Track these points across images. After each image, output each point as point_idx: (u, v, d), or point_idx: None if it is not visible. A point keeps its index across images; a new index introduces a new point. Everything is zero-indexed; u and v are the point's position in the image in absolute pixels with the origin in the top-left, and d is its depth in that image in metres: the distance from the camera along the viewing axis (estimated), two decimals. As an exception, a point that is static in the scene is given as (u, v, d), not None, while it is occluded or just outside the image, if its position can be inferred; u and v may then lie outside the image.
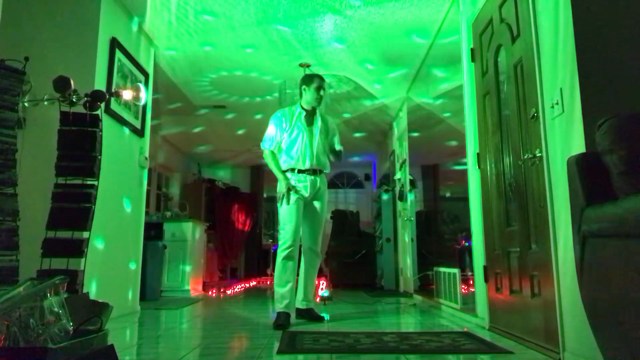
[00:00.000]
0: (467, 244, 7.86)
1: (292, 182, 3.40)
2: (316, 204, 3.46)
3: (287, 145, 3.45)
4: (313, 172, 3.44)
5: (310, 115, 3.51)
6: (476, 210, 3.26)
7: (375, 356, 2.25)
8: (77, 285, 2.42)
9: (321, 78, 3.56)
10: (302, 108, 3.52)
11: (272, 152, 3.49)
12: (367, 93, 5.94)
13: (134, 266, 4.11)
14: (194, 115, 6.81)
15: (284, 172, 3.43)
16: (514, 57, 2.62)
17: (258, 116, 6.70)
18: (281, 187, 3.37)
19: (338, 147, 3.56)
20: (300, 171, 3.42)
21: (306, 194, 3.41)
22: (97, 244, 3.39)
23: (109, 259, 3.60)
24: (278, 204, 3.40)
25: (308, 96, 3.50)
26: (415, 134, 6.52)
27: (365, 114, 6.78)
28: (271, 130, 3.49)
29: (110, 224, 3.62)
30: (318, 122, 3.49)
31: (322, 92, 3.48)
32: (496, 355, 2.25)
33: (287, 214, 3.34)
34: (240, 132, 7.65)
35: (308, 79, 3.55)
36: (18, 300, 1.50)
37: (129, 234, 4.01)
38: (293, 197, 3.35)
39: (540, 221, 2.32)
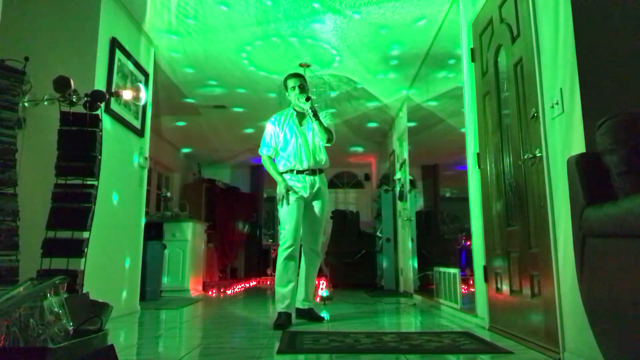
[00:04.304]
0: (466, 243, 7.86)
1: (291, 183, 3.41)
2: (316, 204, 3.47)
3: (282, 147, 3.47)
4: (312, 172, 3.44)
5: (302, 115, 3.53)
6: (476, 210, 3.26)
7: (375, 356, 2.25)
8: (77, 285, 2.42)
9: (296, 75, 3.54)
10: (295, 110, 3.55)
11: (269, 157, 3.53)
12: (367, 93, 5.94)
13: (134, 266, 4.11)
14: (194, 115, 6.81)
15: (282, 173, 3.45)
16: (514, 57, 2.62)
17: (258, 116, 6.70)
18: (280, 189, 3.40)
19: (325, 122, 3.42)
20: (298, 172, 3.43)
21: (305, 194, 3.41)
22: (97, 244, 3.39)
23: (109, 259, 3.60)
24: (278, 205, 3.42)
25: (292, 98, 3.52)
26: (416, 135, 6.52)
27: (365, 114, 6.78)
28: (266, 135, 3.54)
29: (110, 224, 3.62)
30: (309, 120, 3.47)
31: (297, 90, 3.45)
32: (496, 355, 2.25)
33: (287, 214, 3.35)
34: (240, 132, 7.64)
35: (285, 83, 3.59)
36: (18, 300, 1.50)
37: (128, 234, 4.01)
38: (292, 197, 3.36)
39: (540, 221, 2.32)
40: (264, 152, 3.54)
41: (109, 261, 3.60)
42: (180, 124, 7.33)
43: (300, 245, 3.45)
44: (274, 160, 3.55)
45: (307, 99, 3.36)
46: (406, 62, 5.00)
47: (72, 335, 1.62)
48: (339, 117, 6.66)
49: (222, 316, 3.92)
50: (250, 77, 5.41)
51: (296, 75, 3.55)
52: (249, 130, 7.51)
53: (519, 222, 2.60)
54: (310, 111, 3.36)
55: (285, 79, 3.58)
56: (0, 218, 2.20)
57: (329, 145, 3.47)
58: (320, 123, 3.39)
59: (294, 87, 3.47)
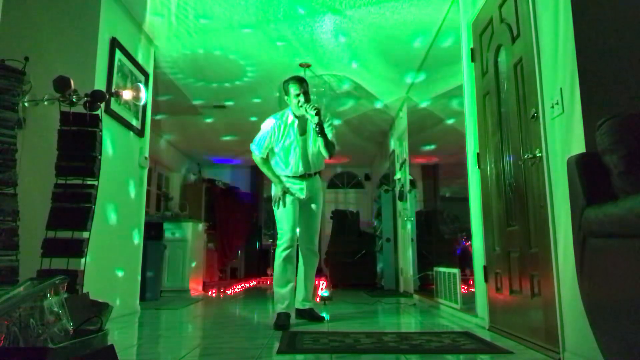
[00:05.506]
0: (466, 243, 7.85)
1: (287, 185, 3.39)
2: (312, 204, 3.46)
3: (281, 153, 3.39)
4: (308, 175, 3.43)
5: (302, 121, 3.39)
6: (476, 210, 3.26)
7: (375, 356, 2.25)
8: (77, 285, 2.42)
9: (298, 81, 3.37)
10: (295, 115, 3.39)
11: (263, 159, 3.44)
12: (367, 93, 5.93)
13: (134, 266, 4.11)
14: (194, 115, 6.81)
15: (278, 175, 3.42)
16: (514, 57, 2.62)
17: (257, 116, 6.69)
18: (277, 190, 3.38)
19: (329, 136, 3.33)
20: (294, 176, 3.41)
21: (302, 196, 3.40)
22: (97, 244, 3.39)
23: (109, 259, 3.60)
24: (274, 206, 3.40)
25: (292, 104, 3.37)
26: (415, 135, 6.51)
27: (365, 114, 6.78)
28: (263, 136, 3.39)
29: (110, 224, 3.62)
30: (311, 129, 3.36)
31: (301, 97, 3.30)
32: (496, 355, 2.25)
33: (283, 215, 3.34)
34: (240, 132, 7.64)
35: (285, 88, 3.41)
36: (18, 300, 1.50)
37: (129, 234, 4.01)
38: (289, 199, 3.35)
39: (540, 221, 2.32)
40: (257, 153, 3.44)
41: (109, 261, 3.60)
42: (181, 124, 7.31)
43: (297, 246, 3.44)
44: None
45: (317, 113, 3.20)
46: (406, 62, 4.99)
47: (72, 335, 1.62)
48: (339, 117, 6.66)
49: (222, 316, 3.92)
50: (249, 77, 5.41)
51: (298, 81, 3.37)
52: (249, 130, 7.49)
53: (519, 222, 2.60)
54: (317, 127, 3.24)
55: (287, 83, 3.40)
56: (0, 218, 2.20)
57: (329, 158, 3.42)
58: (325, 139, 3.29)
59: (297, 95, 3.30)
